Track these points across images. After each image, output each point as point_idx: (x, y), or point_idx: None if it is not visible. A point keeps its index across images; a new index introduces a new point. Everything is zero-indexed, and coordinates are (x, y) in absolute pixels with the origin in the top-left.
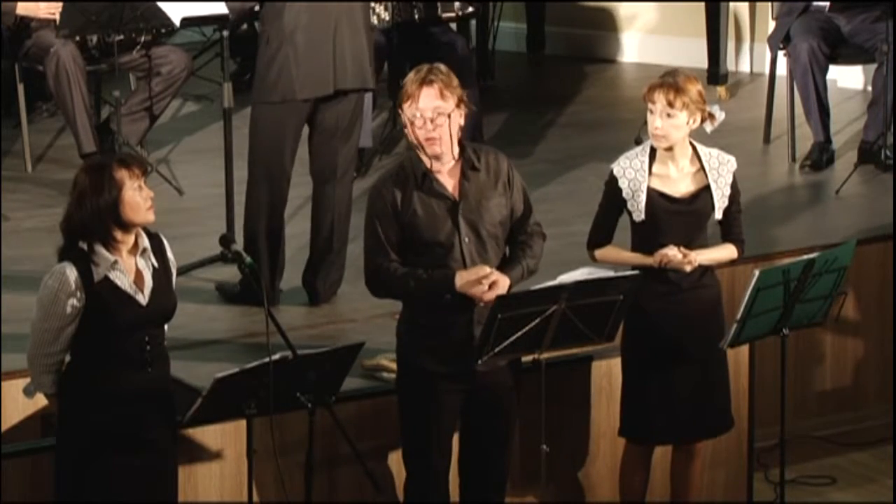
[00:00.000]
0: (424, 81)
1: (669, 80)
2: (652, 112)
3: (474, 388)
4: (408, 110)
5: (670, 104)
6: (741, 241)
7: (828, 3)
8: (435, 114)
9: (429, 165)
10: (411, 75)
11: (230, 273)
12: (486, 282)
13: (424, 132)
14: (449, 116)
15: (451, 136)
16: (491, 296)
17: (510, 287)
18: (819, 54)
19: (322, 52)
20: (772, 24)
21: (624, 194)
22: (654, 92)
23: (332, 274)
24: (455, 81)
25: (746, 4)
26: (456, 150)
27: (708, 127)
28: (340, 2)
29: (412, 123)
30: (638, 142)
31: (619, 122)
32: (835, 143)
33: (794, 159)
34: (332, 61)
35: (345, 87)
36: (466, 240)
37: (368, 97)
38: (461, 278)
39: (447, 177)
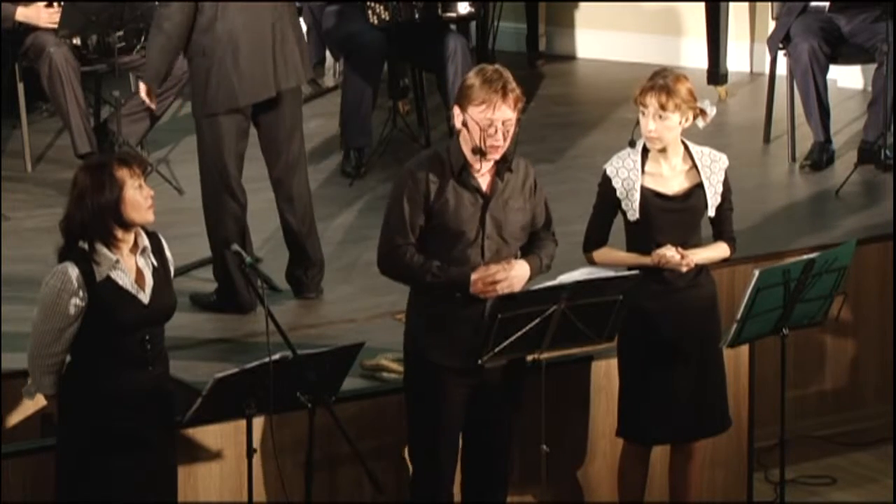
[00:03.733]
0: (505, 91)
1: (660, 83)
2: (644, 115)
3: (479, 385)
4: (479, 114)
5: (662, 107)
6: (732, 238)
7: (828, 3)
8: (508, 125)
9: (471, 161)
10: (480, 78)
11: (202, 283)
12: (500, 285)
13: (493, 140)
14: (515, 124)
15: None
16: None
17: (531, 278)
18: (819, 54)
19: (261, 56)
20: (772, 24)
21: (618, 194)
22: (645, 95)
23: (312, 262)
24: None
25: (746, 4)
26: None
27: (700, 123)
28: (267, 1)
29: (483, 129)
30: (632, 144)
31: (619, 121)
32: (835, 143)
33: (794, 159)
34: (273, 63)
35: (284, 87)
36: (489, 237)
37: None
38: (476, 281)
39: (482, 173)
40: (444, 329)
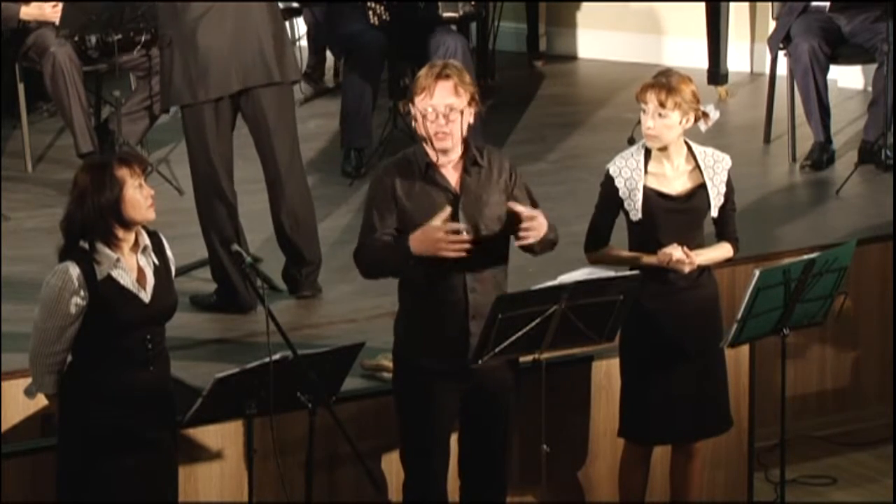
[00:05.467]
0: (440, 76)
1: (661, 80)
2: (644, 112)
3: (473, 388)
4: (420, 103)
5: (662, 104)
6: (735, 239)
7: (828, 3)
8: (447, 109)
9: (434, 158)
10: (426, 69)
11: (202, 283)
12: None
13: (436, 126)
14: (461, 113)
15: (461, 132)
16: (457, 247)
17: (549, 231)
18: (820, 54)
19: (224, 50)
20: (772, 24)
21: (620, 194)
22: (646, 92)
23: (307, 261)
24: (469, 79)
25: (747, 4)
26: (461, 146)
27: (702, 126)
28: (236, 1)
29: (424, 117)
30: (631, 142)
31: (620, 121)
32: (835, 143)
33: (794, 159)
34: (235, 58)
35: (250, 85)
36: (465, 234)
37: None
38: (415, 241)
39: (450, 171)
40: (430, 332)
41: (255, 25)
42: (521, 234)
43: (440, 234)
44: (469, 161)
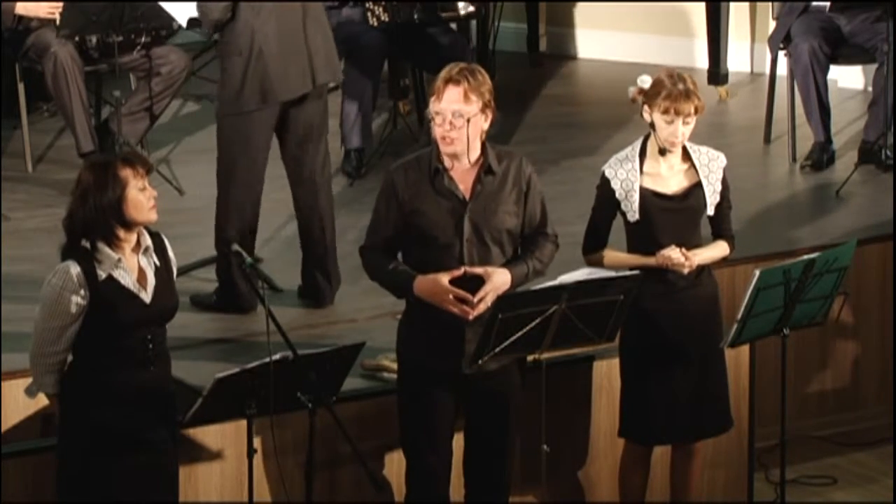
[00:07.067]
0: (450, 80)
1: (684, 88)
2: (672, 122)
3: (478, 388)
4: (432, 105)
5: (697, 110)
6: (731, 236)
7: (828, 3)
8: (454, 115)
9: (446, 162)
10: (445, 70)
11: (203, 283)
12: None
13: (441, 130)
14: (468, 120)
15: (468, 138)
16: (459, 310)
17: (513, 285)
18: (820, 54)
19: (296, 52)
20: (772, 24)
21: (617, 195)
22: (680, 103)
23: (331, 271)
24: (486, 86)
25: (747, 4)
26: (476, 151)
27: None
28: (303, 1)
29: (432, 119)
30: (662, 152)
31: (620, 122)
32: (835, 143)
33: (794, 159)
34: (308, 57)
35: (321, 81)
36: (468, 241)
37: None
38: (419, 285)
39: (462, 176)
40: (428, 332)
41: (313, 24)
42: (474, 312)
43: (447, 296)
44: (483, 168)
